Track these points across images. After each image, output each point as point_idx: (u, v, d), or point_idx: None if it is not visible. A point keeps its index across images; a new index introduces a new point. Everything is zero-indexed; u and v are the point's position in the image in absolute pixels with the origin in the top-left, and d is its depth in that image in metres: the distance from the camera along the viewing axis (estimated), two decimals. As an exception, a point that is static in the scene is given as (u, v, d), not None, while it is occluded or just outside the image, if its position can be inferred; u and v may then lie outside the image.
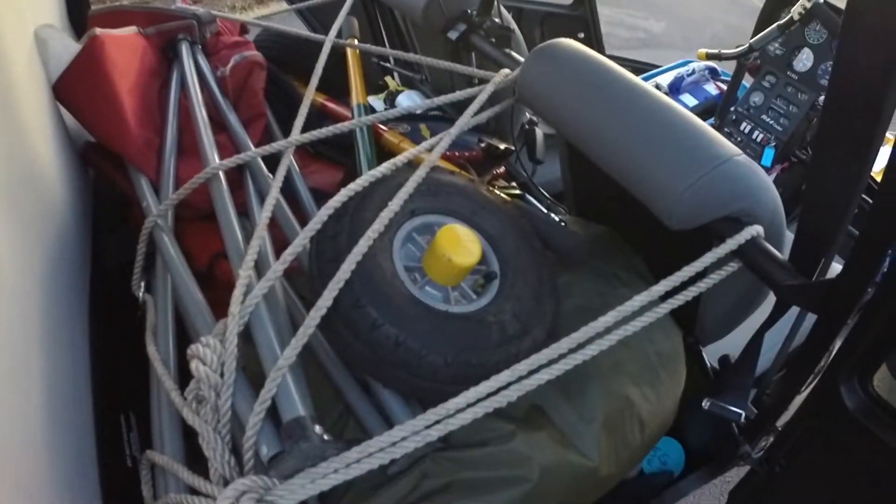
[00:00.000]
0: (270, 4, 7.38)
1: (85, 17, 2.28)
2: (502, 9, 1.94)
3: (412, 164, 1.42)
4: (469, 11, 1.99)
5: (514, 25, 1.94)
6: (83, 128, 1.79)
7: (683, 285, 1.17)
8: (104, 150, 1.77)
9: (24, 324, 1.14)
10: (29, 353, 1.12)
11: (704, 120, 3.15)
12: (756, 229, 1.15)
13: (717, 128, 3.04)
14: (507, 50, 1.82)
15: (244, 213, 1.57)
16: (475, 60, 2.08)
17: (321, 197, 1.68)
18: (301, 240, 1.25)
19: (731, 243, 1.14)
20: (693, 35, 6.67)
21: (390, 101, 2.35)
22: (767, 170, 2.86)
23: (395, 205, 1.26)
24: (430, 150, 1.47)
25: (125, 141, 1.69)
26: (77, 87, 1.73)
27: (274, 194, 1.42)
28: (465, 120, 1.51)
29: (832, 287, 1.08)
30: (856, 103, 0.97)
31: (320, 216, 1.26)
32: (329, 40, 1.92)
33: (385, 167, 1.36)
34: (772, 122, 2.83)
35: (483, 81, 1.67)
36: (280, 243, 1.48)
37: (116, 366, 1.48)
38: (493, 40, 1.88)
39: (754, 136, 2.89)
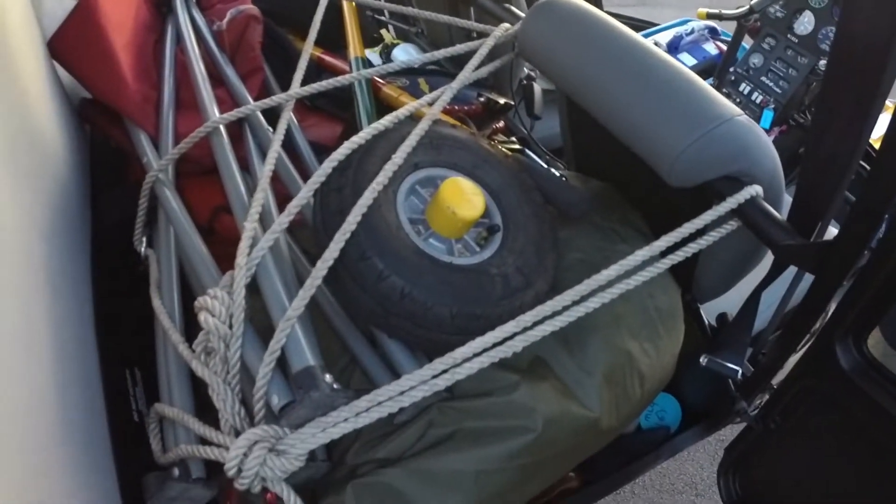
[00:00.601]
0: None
1: None
2: None
3: (413, 118, 1.41)
4: None
5: None
6: (79, 84, 1.78)
7: (683, 242, 1.19)
8: (101, 107, 1.76)
9: (27, 279, 1.14)
10: (34, 308, 1.12)
11: (703, 80, 3.14)
12: (755, 189, 1.16)
13: (716, 88, 3.03)
14: (507, 4, 1.80)
15: (245, 167, 1.56)
16: (473, 14, 2.06)
17: (320, 150, 1.68)
18: (305, 192, 1.25)
19: (731, 202, 1.15)
20: (690, -8, 6.61)
21: (386, 55, 2.34)
22: (766, 132, 2.85)
23: (398, 157, 1.26)
24: (430, 103, 1.47)
25: (123, 96, 1.68)
26: (73, 44, 1.72)
27: (276, 148, 1.42)
28: (466, 75, 1.50)
29: (829, 248, 1.09)
30: (857, 69, 0.98)
31: (324, 169, 1.26)
32: None
33: (387, 120, 1.35)
34: (771, 84, 2.82)
35: (482, 35, 1.66)
36: (282, 197, 1.48)
37: (119, 321, 1.49)
38: None
39: (753, 98, 2.88)
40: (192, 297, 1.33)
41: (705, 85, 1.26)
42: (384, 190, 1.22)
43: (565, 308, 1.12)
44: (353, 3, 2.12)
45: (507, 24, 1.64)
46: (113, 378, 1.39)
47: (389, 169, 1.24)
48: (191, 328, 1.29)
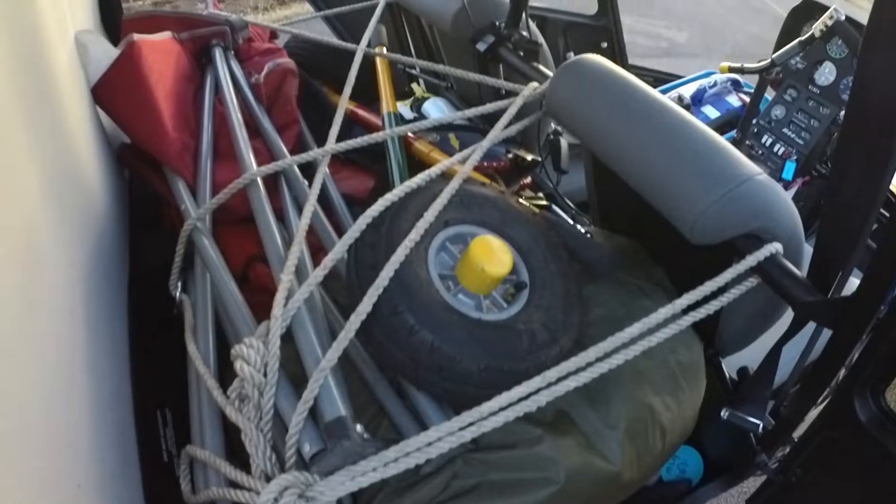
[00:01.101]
0: (292, 5, 7.43)
1: (118, 21, 2.33)
2: (530, 22, 1.98)
3: (445, 175, 1.46)
4: (497, 23, 2.03)
5: (541, 39, 1.98)
6: (120, 130, 1.84)
7: (705, 299, 1.21)
8: (140, 152, 1.82)
9: (69, 318, 1.18)
10: (74, 347, 1.17)
11: (726, 132, 3.17)
12: (775, 247, 1.19)
13: (739, 140, 3.06)
14: (535, 63, 1.86)
15: (280, 218, 1.61)
16: (502, 71, 2.12)
17: (352, 203, 1.73)
18: (340, 247, 1.29)
19: (751, 260, 1.18)
20: (715, 44, 6.67)
21: (416, 108, 2.39)
22: (788, 183, 2.87)
23: (430, 215, 1.31)
24: (461, 162, 1.52)
25: (162, 145, 1.73)
26: (115, 91, 1.77)
27: (311, 202, 1.47)
28: (496, 134, 1.55)
29: (848, 304, 1.11)
30: (873, 120, 1.00)
31: (359, 225, 1.31)
32: (360, 50, 1.97)
33: (420, 178, 1.40)
34: (793, 135, 2.85)
35: (511, 93, 1.72)
36: (314, 247, 1.53)
37: (153, 363, 1.53)
38: (521, 53, 1.93)
39: (776, 150, 2.90)
40: (225, 342, 1.38)
41: (726, 144, 1.30)
42: (416, 246, 1.27)
43: (589, 364, 1.15)
44: (387, 59, 2.18)
45: (535, 84, 1.69)
46: (145, 419, 1.43)
47: (421, 226, 1.28)
48: (223, 373, 1.34)
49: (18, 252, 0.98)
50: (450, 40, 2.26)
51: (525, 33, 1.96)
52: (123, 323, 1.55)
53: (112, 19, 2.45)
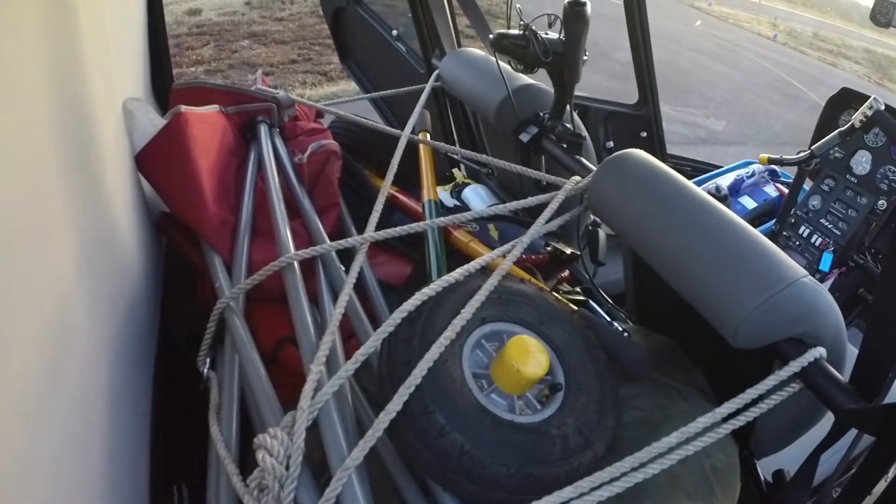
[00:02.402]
0: (339, 82, 7.67)
1: (168, 89, 2.39)
2: (574, 114, 2.00)
3: (483, 270, 1.45)
4: (541, 114, 2.05)
5: (584, 132, 1.99)
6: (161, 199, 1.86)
7: (745, 406, 1.18)
8: (177, 222, 1.83)
9: (91, 389, 1.17)
10: (94, 418, 1.15)
11: (763, 222, 3.16)
12: (819, 351, 1.15)
13: (777, 232, 3.04)
14: (578, 156, 1.86)
15: (314, 301, 1.60)
16: (544, 162, 2.13)
17: (388, 290, 1.72)
18: (373, 341, 1.28)
19: (794, 366, 1.15)
20: (752, 131, 6.70)
21: (457, 194, 2.41)
22: (825, 274, 2.84)
23: (467, 312, 1.29)
24: (502, 255, 1.51)
25: (202, 219, 1.74)
26: (159, 161, 1.80)
27: (347, 290, 1.47)
28: (537, 229, 1.55)
29: (892, 412, 1.07)
30: None
31: (394, 318, 1.29)
32: (405, 136, 1.99)
33: (458, 273, 1.39)
34: (830, 225, 2.83)
35: (552, 186, 1.72)
36: (346, 332, 1.51)
37: (174, 436, 1.51)
38: (564, 145, 1.94)
39: (813, 241, 2.88)
40: (249, 422, 1.36)
41: (770, 245, 1.28)
42: (451, 344, 1.25)
43: (624, 474, 1.12)
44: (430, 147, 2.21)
45: (577, 178, 1.69)
46: (161, 494, 1.41)
47: (458, 324, 1.26)
48: (244, 455, 1.31)
49: (49, 331, 0.98)
50: (493, 127, 2.29)
51: (569, 125, 1.98)
52: (147, 394, 1.54)
53: (163, 87, 2.52)
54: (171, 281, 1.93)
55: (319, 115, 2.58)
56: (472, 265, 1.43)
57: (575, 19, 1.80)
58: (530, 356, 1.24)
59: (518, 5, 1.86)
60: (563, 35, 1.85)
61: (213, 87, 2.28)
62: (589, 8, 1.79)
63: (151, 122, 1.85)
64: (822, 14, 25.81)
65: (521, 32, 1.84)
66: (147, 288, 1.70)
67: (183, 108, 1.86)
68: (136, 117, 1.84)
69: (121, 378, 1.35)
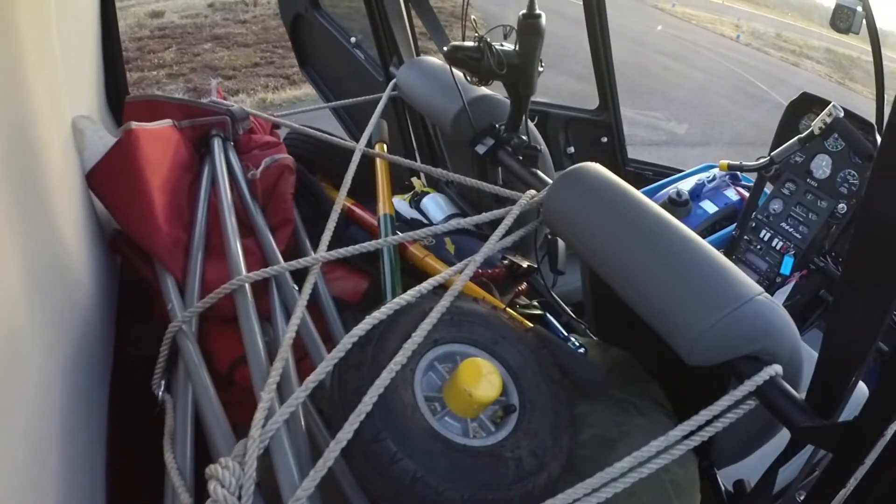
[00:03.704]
0: (302, 86, 7.61)
1: (122, 101, 2.34)
2: (531, 125, 1.98)
3: (437, 288, 1.43)
4: (497, 126, 2.04)
5: (542, 144, 1.98)
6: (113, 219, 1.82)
7: (701, 425, 1.17)
8: (131, 240, 1.78)
9: (43, 415, 1.15)
10: (47, 444, 1.13)
11: (724, 226, 3.18)
12: (774, 369, 1.15)
13: (738, 236, 3.06)
14: (534, 169, 1.85)
15: (267, 319, 1.58)
16: (501, 174, 2.12)
17: (345, 306, 1.70)
18: (323, 367, 1.26)
19: (750, 384, 1.15)
20: (715, 132, 6.77)
21: (415, 203, 2.39)
22: (786, 278, 2.87)
23: (418, 336, 1.27)
24: (457, 273, 1.49)
25: (154, 239, 1.70)
26: (109, 180, 1.75)
27: (298, 313, 1.44)
28: (491, 245, 1.54)
29: (848, 430, 1.08)
30: (881, 250, 0.98)
31: (344, 344, 1.27)
32: (359, 150, 1.97)
33: (410, 295, 1.38)
34: (791, 229, 2.86)
35: (508, 200, 1.70)
36: (301, 350, 1.49)
37: (130, 460, 1.48)
38: (520, 157, 1.92)
39: (774, 244, 2.91)
40: (205, 449, 1.33)
41: (726, 262, 1.28)
42: (402, 369, 1.23)
43: (576, 500, 1.11)
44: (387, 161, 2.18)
45: (532, 192, 1.68)
46: None
47: (409, 348, 1.25)
48: (200, 481, 1.28)
49: None
50: (451, 138, 2.28)
51: (525, 137, 1.96)
52: (102, 419, 1.50)
53: (118, 99, 2.46)
54: (126, 299, 1.88)
55: (276, 126, 2.55)
56: (425, 285, 1.41)
57: (529, 31, 1.79)
58: (482, 378, 1.23)
59: (473, 17, 1.85)
60: (517, 47, 1.83)
61: (167, 101, 2.23)
62: (544, 20, 1.77)
63: (101, 139, 1.80)
64: (783, 15, 26.20)
65: (476, 45, 1.82)
66: (101, 307, 1.66)
67: (134, 124, 1.81)
68: (85, 136, 1.79)
69: (74, 402, 1.32)
